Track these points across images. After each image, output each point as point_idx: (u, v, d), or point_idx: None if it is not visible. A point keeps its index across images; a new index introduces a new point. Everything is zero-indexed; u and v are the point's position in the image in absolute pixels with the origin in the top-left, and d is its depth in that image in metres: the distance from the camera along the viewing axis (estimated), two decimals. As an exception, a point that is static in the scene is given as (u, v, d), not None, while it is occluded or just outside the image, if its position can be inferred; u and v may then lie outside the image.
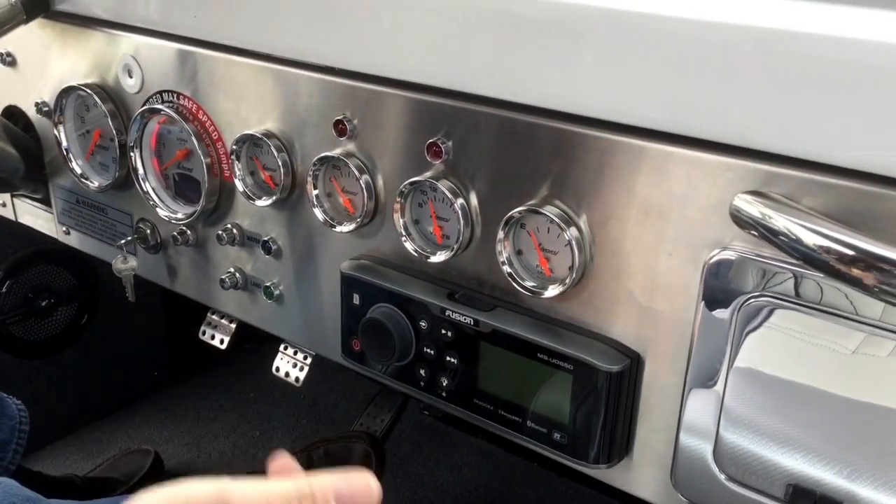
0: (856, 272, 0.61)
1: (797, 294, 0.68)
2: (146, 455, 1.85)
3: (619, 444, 0.83)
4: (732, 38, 0.65)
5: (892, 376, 0.66)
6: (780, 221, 0.65)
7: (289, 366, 1.75)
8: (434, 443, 2.02)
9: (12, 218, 1.46)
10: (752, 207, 0.67)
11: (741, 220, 0.68)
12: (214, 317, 1.77)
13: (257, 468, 1.75)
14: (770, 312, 0.70)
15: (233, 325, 1.77)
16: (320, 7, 0.89)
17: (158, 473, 1.85)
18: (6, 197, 1.44)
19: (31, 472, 1.60)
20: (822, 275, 0.64)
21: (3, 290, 1.81)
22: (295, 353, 1.74)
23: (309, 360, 1.74)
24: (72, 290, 1.93)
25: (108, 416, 2.09)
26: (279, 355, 1.77)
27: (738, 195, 0.68)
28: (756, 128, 0.66)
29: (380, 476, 1.71)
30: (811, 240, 0.63)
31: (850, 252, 0.61)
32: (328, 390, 2.19)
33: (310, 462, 1.74)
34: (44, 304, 1.88)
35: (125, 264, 1.24)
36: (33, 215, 1.42)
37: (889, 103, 0.60)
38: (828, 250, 0.62)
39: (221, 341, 1.77)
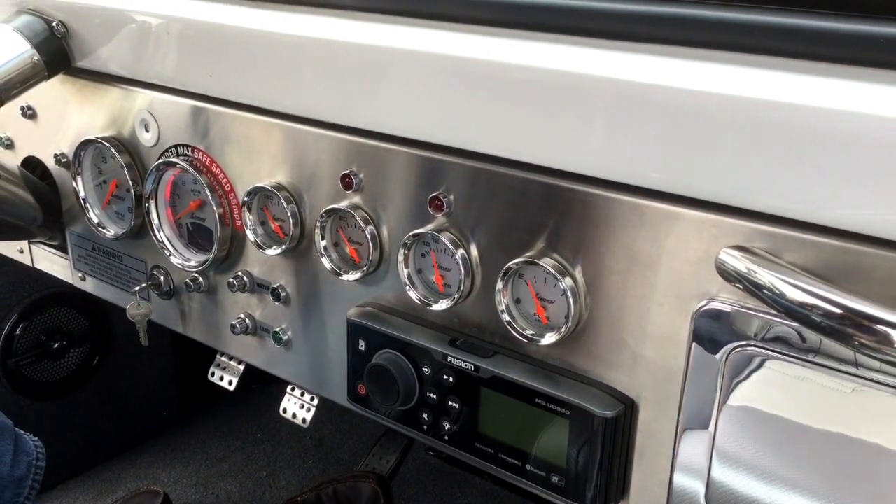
0: (835, 325, 0.64)
1: (784, 344, 0.72)
2: (155, 496, 1.87)
3: (615, 487, 0.86)
4: (717, 105, 0.69)
5: (882, 417, 0.69)
6: (764, 276, 0.68)
7: (296, 407, 1.78)
8: (439, 484, 2.03)
9: (29, 264, 1.51)
10: (737, 262, 0.71)
11: (726, 273, 0.72)
12: (223, 358, 1.81)
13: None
14: (758, 361, 0.73)
15: (241, 367, 1.80)
16: (329, 68, 0.93)
17: (167, 514, 1.87)
18: (24, 244, 1.49)
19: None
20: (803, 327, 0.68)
21: (17, 332, 1.85)
22: (302, 394, 1.77)
23: (316, 402, 1.76)
24: (84, 332, 1.96)
25: (118, 457, 2.12)
26: (287, 396, 1.80)
27: (723, 250, 0.72)
28: (739, 188, 0.70)
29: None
30: (792, 294, 0.66)
31: (830, 307, 0.65)
32: (335, 431, 2.21)
33: (318, 501, 1.76)
34: (56, 345, 1.92)
35: (139, 310, 1.28)
36: (50, 261, 1.47)
37: (861, 167, 0.63)
38: (808, 305, 0.66)
39: (230, 382, 1.80)
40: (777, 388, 0.73)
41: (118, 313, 1.31)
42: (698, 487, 0.80)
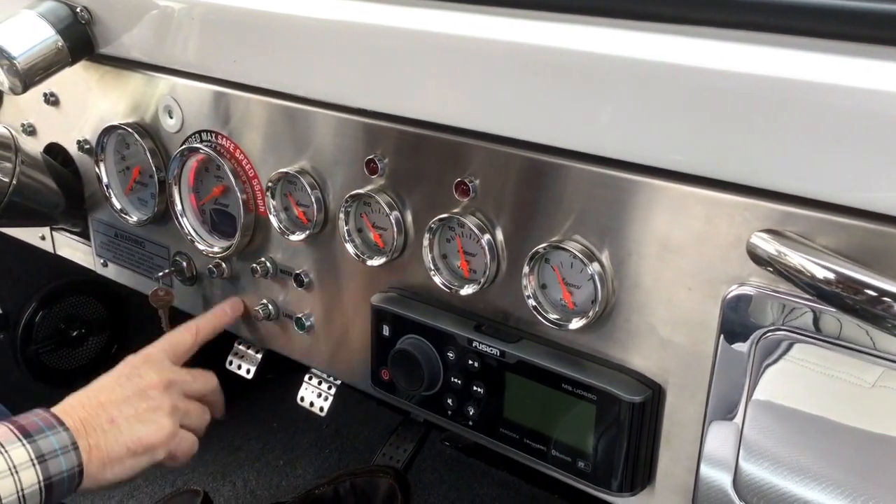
0: (868, 308, 0.64)
1: (813, 328, 0.71)
2: (195, 495, 1.87)
3: (641, 473, 0.86)
4: (749, 85, 0.69)
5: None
6: (795, 259, 0.68)
7: (313, 395, 1.77)
8: (455, 474, 2.03)
9: (51, 251, 1.51)
10: (768, 245, 0.70)
11: (758, 257, 0.71)
12: (241, 347, 1.81)
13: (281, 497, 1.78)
14: (788, 346, 0.73)
15: (259, 355, 1.79)
16: (353, 53, 0.93)
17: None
18: (46, 230, 1.49)
19: None
20: (835, 310, 0.67)
21: (37, 320, 1.86)
22: (320, 383, 1.77)
23: (333, 391, 1.76)
24: (102, 321, 1.97)
25: (135, 445, 2.12)
26: (304, 385, 1.79)
27: (754, 233, 0.71)
28: (771, 170, 0.70)
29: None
30: (825, 277, 0.66)
31: (862, 289, 0.64)
32: (351, 420, 2.22)
33: (336, 494, 1.76)
34: (75, 333, 1.93)
35: (162, 296, 1.29)
36: (72, 248, 1.47)
37: (893, 148, 0.63)
38: (841, 287, 0.65)
39: (248, 371, 1.80)
40: (807, 374, 0.73)
41: (136, 302, 1.32)
42: (726, 474, 0.79)
